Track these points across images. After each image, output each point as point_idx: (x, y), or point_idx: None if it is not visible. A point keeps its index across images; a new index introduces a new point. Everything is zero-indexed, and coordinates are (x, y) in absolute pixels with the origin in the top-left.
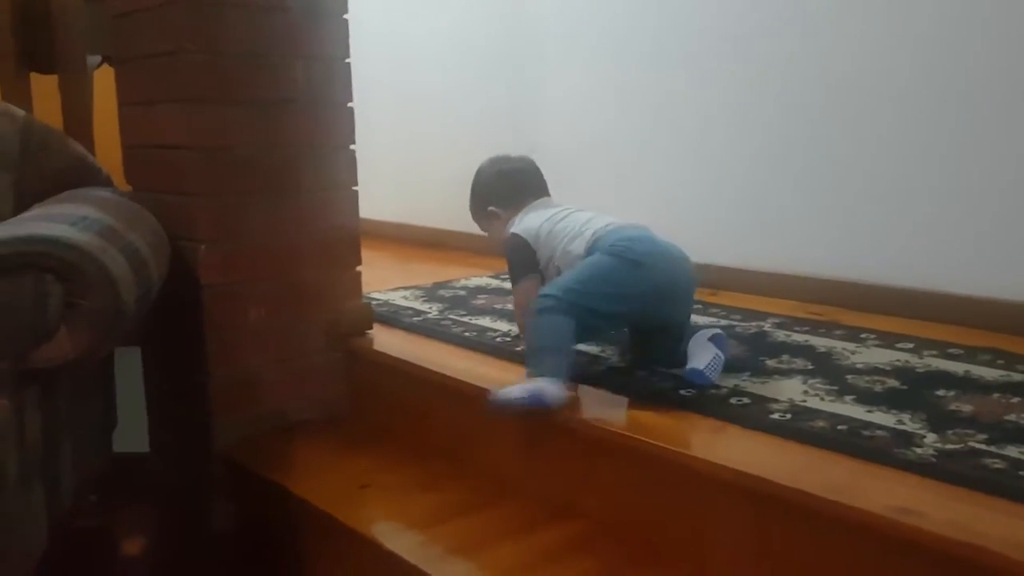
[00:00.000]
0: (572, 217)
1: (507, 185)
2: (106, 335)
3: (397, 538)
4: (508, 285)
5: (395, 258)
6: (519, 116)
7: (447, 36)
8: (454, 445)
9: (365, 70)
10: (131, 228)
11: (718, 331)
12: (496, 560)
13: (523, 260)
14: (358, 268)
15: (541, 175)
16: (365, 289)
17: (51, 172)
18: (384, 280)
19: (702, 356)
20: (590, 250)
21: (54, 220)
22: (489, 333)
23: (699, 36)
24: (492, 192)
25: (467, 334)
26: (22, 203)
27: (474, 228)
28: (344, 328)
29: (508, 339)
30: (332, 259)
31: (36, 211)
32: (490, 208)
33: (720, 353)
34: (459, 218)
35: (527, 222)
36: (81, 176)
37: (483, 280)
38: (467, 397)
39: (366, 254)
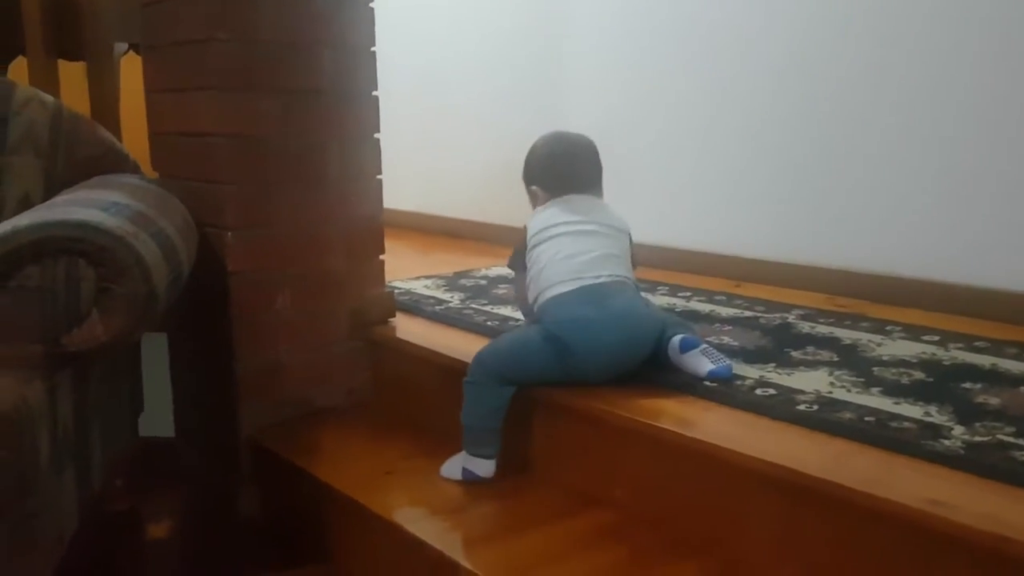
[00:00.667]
0: (556, 243)
1: (551, 169)
2: (138, 320)
3: (422, 524)
4: None
5: (417, 248)
6: (544, 107)
7: (471, 26)
8: None
9: (388, 59)
10: (161, 214)
11: (685, 336)
12: (522, 547)
13: (517, 254)
14: (381, 257)
15: (590, 165)
16: (388, 278)
17: (80, 158)
18: (406, 269)
19: (701, 363)
20: (538, 313)
21: (86, 205)
22: (510, 322)
23: (725, 26)
24: (538, 172)
25: (488, 323)
26: (52, 189)
27: (494, 219)
28: (368, 316)
29: None
30: (356, 248)
31: (67, 196)
32: (532, 187)
33: (706, 346)
34: (480, 208)
35: (539, 218)
36: (110, 162)
37: (504, 269)
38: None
39: (388, 243)
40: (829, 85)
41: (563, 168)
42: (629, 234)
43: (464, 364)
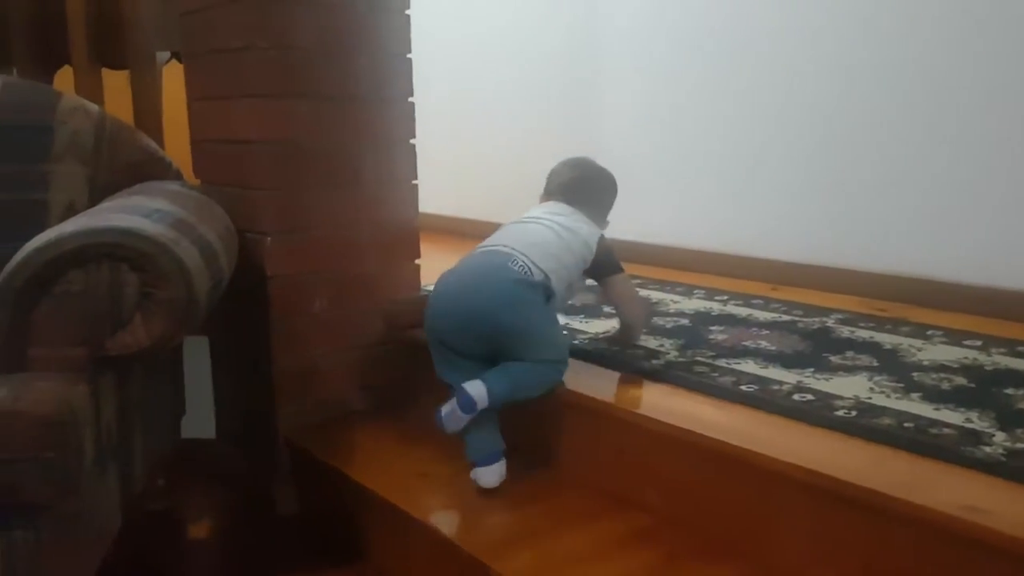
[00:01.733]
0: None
1: (554, 176)
2: (179, 324)
3: (456, 526)
4: None
5: (450, 251)
6: (576, 111)
7: (506, 31)
8: (510, 435)
9: (422, 64)
10: (202, 220)
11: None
12: (556, 549)
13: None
14: (417, 261)
15: (590, 187)
16: (423, 281)
17: (123, 165)
18: (440, 272)
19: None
20: None
21: (129, 212)
22: None
23: (759, 30)
24: (548, 177)
25: None
26: (95, 195)
27: None
28: (402, 319)
29: (564, 333)
30: (392, 251)
31: (110, 203)
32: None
33: (456, 408)
34: (512, 212)
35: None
36: (152, 169)
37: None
38: None
39: (423, 247)
40: (867, 86)
41: (563, 181)
42: (591, 246)
43: None
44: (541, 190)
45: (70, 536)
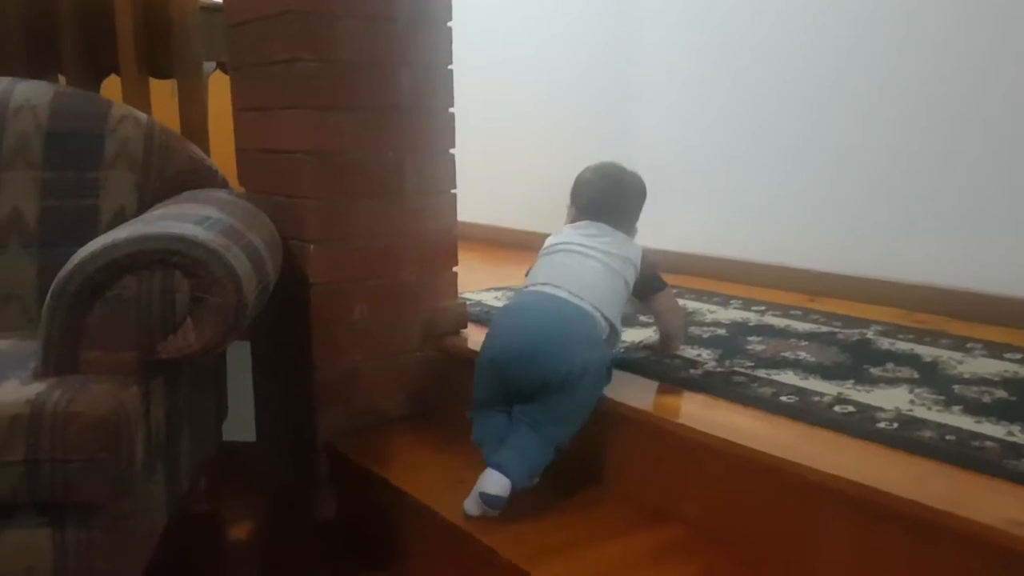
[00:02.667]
0: (550, 259)
1: (585, 194)
2: (229, 329)
3: (494, 533)
4: None
5: (486, 260)
6: (611, 120)
7: (544, 41)
8: None
9: (461, 74)
10: (250, 228)
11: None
12: (594, 560)
13: None
14: (455, 269)
15: (624, 201)
16: (459, 290)
17: (171, 173)
18: (476, 281)
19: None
20: None
21: (181, 219)
22: None
23: (796, 47)
24: (576, 193)
25: None
26: (145, 202)
27: None
28: (440, 327)
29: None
30: (431, 260)
31: (161, 210)
32: (569, 204)
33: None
34: (547, 221)
35: (556, 235)
36: (199, 177)
37: None
38: None
39: (459, 255)
40: (907, 95)
41: (595, 195)
42: (636, 266)
43: None
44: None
45: (120, 535)
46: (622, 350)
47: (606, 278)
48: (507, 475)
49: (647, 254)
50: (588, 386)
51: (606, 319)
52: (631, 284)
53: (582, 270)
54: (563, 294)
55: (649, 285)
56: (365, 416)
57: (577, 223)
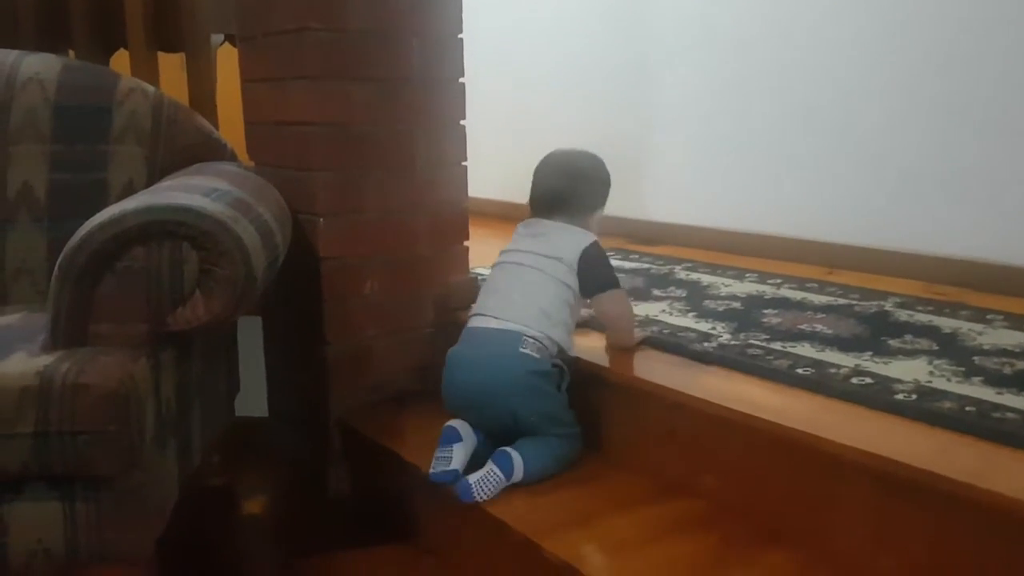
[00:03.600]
0: (494, 273)
1: (532, 188)
2: (237, 301)
3: (505, 506)
4: (624, 263)
5: (497, 235)
6: (625, 91)
7: (558, 11)
8: None
9: (471, 46)
10: (259, 200)
11: (508, 452)
12: (607, 532)
13: None
14: (466, 243)
15: (567, 187)
16: (471, 264)
17: (180, 146)
18: (487, 256)
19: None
20: None
21: (189, 191)
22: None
23: (817, 11)
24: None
25: None
26: (154, 175)
27: None
28: (452, 302)
29: None
30: (442, 234)
31: (170, 182)
32: None
33: (496, 470)
34: None
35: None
36: (208, 150)
37: None
38: (577, 371)
39: (471, 230)
40: (926, 73)
41: (543, 190)
42: (570, 265)
43: None
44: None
45: (131, 509)
46: (564, 360)
47: (542, 287)
48: (520, 453)
49: (592, 250)
50: (544, 405)
51: (541, 331)
52: (573, 281)
53: (514, 288)
54: (490, 323)
55: (591, 282)
56: (377, 391)
57: (526, 221)
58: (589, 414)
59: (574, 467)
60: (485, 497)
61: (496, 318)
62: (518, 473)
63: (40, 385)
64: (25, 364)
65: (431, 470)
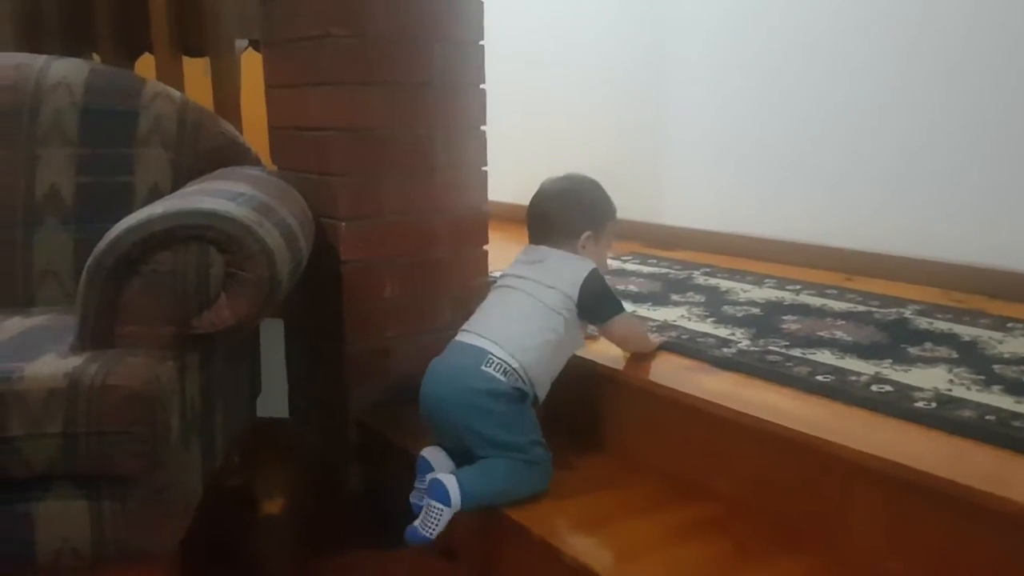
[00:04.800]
0: (489, 295)
1: (527, 218)
2: (262, 304)
3: (524, 509)
4: (630, 267)
5: (516, 239)
6: (645, 99)
7: (575, 18)
8: (578, 420)
9: (490, 51)
10: (282, 204)
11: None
12: (623, 535)
13: None
14: (485, 247)
15: (559, 214)
16: (490, 268)
17: (205, 150)
18: (506, 260)
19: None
20: None
21: (215, 195)
22: None
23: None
24: None
25: None
26: (179, 179)
27: None
28: (472, 304)
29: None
30: (462, 238)
31: (196, 187)
32: None
33: (433, 502)
34: None
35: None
36: (232, 155)
37: None
38: (594, 374)
39: (490, 234)
40: (947, 80)
41: (532, 218)
42: (567, 293)
43: None
44: None
45: (156, 508)
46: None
47: (524, 312)
48: (456, 476)
49: (592, 280)
50: (493, 427)
51: (510, 354)
52: (566, 311)
53: (499, 308)
54: (466, 338)
55: (594, 311)
56: (395, 392)
57: (526, 247)
58: (605, 418)
59: (592, 471)
60: (434, 533)
61: (475, 334)
62: (454, 499)
63: (68, 386)
64: (54, 365)
65: (411, 500)
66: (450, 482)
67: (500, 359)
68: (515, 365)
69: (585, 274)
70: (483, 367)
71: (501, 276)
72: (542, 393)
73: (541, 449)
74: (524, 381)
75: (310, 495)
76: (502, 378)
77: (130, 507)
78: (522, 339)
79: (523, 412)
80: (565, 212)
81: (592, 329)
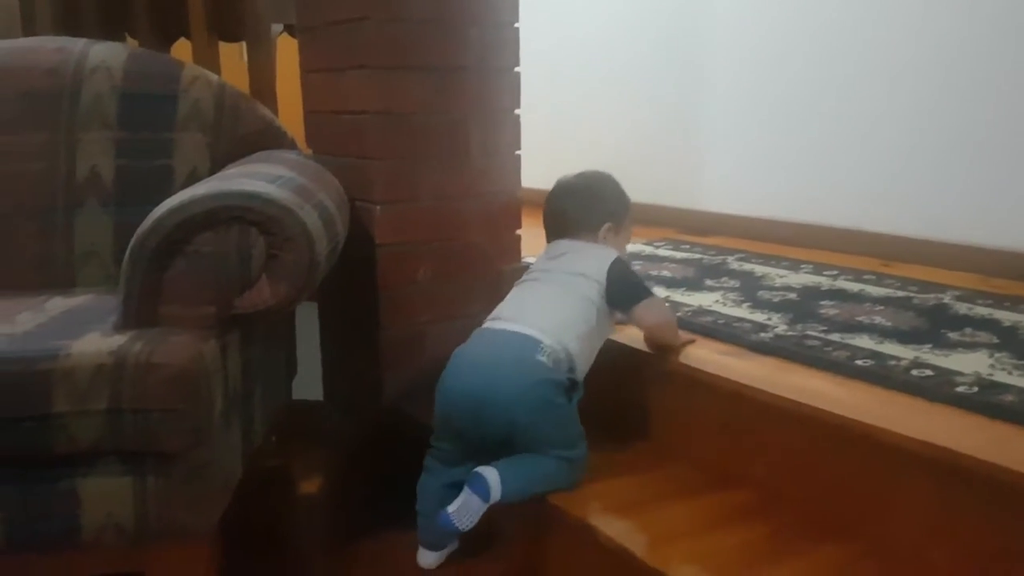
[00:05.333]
0: (513, 290)
1: (545, 216)
2: (301, 286)
3: (559, 492)
4: (662, 252)
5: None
6: (682, 83)
7: (613, 3)
8: (613, 406)
9: (524, 35)
10: (320, 188)
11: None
12: (660, 519)
13: None
14: (518, 232)
15: (579, 209)
16: (523, 253)
17: (242, 134)
18: (539, 245)
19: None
20: None
21: (255, 178)
22: None
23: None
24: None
25: None
26: (217, 163)
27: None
28: (505, 289)
29: (666, 305)
30: (495, 222)
31: (236, 169)
32: None
33: (472, 495)
34: None
35: None
36: (269, 139)
37: (637, 247)
38: (626, 358)
39: (523, 219)
40: (982, 55)
41: (549, 216)
42: (596, 280)
43: None
44: None
45: (198, 484)
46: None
47: (561, 299)
48: (499, 471)
49: (618, 265)
50: (554, 420)
51: (568, 353)
52: (598, 298)
53: (532, 297)
54: (506, 325)
55: (623, 296)
56: (428, 376)
57: (547, 246)
58: (641, 403)
59: (626, 455)
60: (468, 526)
61: (515, 322)
62: (495, 493)
63: (114, 363)
64: (99, 343)
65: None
66: (492, 477)
67: (551, 348)
68: (565, 355)
69: (611, 260)
70: (538, 356)
71: (526, 273)
72: (581, 374)
73: (584, 444)
74: (575, 371)
75: (345, 478)
76: (554, 367)
77: (173, 484)
78: (567, 327)
79: (574, 405)
80: (583, 206)
81: (621, 316)
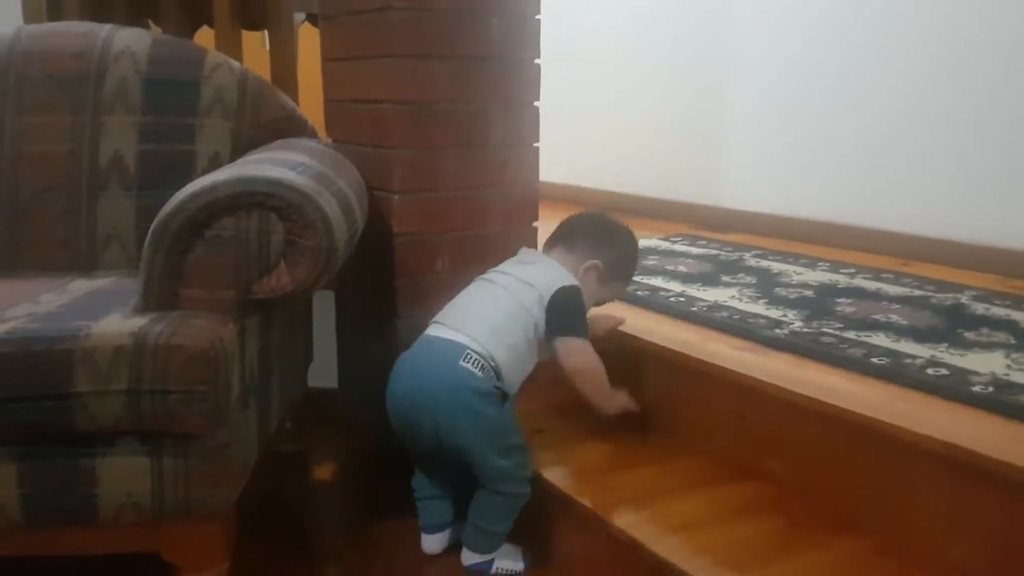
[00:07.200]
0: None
1: None
2: (320, 272)
3: (571, 482)
4: (679, 247)
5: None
6: (702, 79)
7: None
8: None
9: (545, 27)
10: (339, 175)
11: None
12: (675, 511)
13: None
14: (535, 224)
15: (570, 229)
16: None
17: (264, 121)
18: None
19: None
20: None
21: (276, 164)
22: (661, 293)
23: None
24: None
25: (639, 292)
26: (239, 149)
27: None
28: None
29: (682, 299)
30: (512, 213)
31: (257, 156)
32: None
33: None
34: (626, 181)
35: None
36: (290, 126)
37: (652, 242)
38: (641, 351)
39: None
40: (998, 58)
41: (562, 222)
42: (541, 295)
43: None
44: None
45: (216, 466)
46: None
47: (501, 306)
48: (466, 545)
49: (568, 291)
50: (468, 429)
51: (486, 350)
52: (539, 312)
53: (475, 302)
54: (440, 332)
55: (555, 321)
56: None
57: (522, 249)
58: (656, 397)
59: (641, 448)
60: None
61: (449, 327)
62: (478, 562)
63: (134, 344)
64: (120, 324)
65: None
66: (472, 561)
67: (478, 355)
68: (492, 364)
69: (566, 284)
70: (462, 363)
71: (490, 270)
72: (512, 387)
73: (524, 454)
74: (501, 380)
75: (360, 465)
76: (481, 375)
77: (191, 464)
78: (499, 335)
79: (508, 414)
80: (592, 235)
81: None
